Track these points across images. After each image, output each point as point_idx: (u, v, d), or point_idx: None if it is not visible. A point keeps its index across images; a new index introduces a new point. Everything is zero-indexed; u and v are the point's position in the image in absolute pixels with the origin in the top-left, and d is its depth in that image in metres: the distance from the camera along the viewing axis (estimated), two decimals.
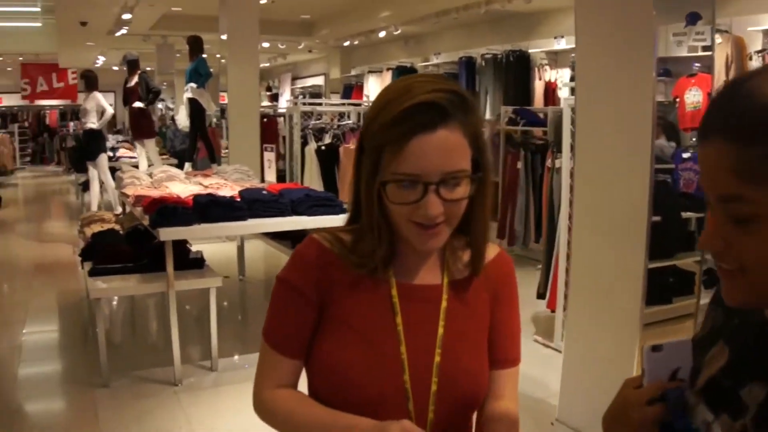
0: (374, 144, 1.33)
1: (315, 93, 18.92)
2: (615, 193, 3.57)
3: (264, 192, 5.37)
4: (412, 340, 1.42)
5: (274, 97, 20.63)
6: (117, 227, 6.21)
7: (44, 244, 10.02)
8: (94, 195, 10.85)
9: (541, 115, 7.74)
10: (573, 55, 7.28)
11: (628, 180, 3.46)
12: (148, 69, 13.91)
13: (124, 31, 12.62)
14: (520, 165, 7.54)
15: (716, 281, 1.04)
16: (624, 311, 3.54)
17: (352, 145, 8.14)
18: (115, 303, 6.94)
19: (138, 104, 10.66)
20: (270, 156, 8.78)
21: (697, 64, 6.66)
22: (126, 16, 11.31)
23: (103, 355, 4.80)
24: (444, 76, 1.44)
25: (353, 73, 16.58)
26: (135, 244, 5.48)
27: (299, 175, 9.50)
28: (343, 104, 11.54)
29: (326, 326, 1.44)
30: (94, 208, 10.42)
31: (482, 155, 1.38)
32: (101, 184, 10.86)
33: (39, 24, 15.27)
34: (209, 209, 4.91)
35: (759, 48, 7.16)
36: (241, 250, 7.62)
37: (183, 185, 5.95)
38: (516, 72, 10.96)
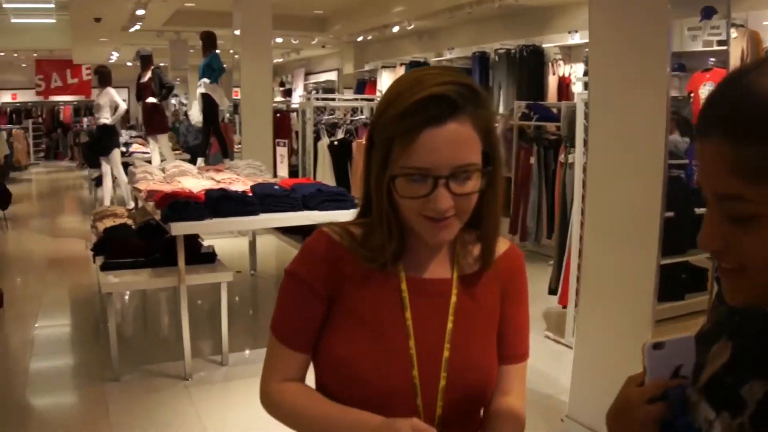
0: (384, 137, 1.32)
1: (328, 88, 18.94)
2: (628, 189, 3.54)
3: (276, 187, 5.38)
4: (421, 335, 1.41)
5: (288, 93, 20.66)
6: (129, 222, 6.22)
7: (57, 239, 10.06)
8: (106, 190, 10.87)
9: (555, 110, 7.72)
10: (587, 50, 7.24)
11: (642, 175, 3.44)
12: (162, 65, 13.94)
13: (137, 26, 12.65)
14: (532, 160, 7.53)
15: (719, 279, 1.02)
16: (636, 307, 3.52)
17: (364, 141, 8.16)
18: (126, 297, 6.97)
19: (151, 100, 10.67)
20: (282, 151, 8.78)
21: (712, 59, 6.62)
22: (140, 12, 11.34)
23: (114, 350, 4.81)
24: (456, 69, 1.42)
25: (366, 68, 16.56)
26: (147, 239, 5.49)
27: (312, 170, 9.50)
28: (356, 99, 11.52)
29: (335, 320, 1.43)
30: (107, 202, 10.45)
31: (493, 149, 1.36)
32: (114, 179, 10.88)
33: (53, 20, 15.33)
34: (221, 204, 4.91)
35: None
36: (252, 245, 7.63)
37: (195, 180, 5.96)
38: (529, 67, 10.91)
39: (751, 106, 0.87)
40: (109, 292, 4.88)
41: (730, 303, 1.01)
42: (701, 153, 0.94)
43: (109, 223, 6.14)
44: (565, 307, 5.50)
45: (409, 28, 13.05)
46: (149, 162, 9.46)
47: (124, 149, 11.55)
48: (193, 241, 5.25)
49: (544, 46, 10.87)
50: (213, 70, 9.78)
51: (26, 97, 23.45)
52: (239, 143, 10.37)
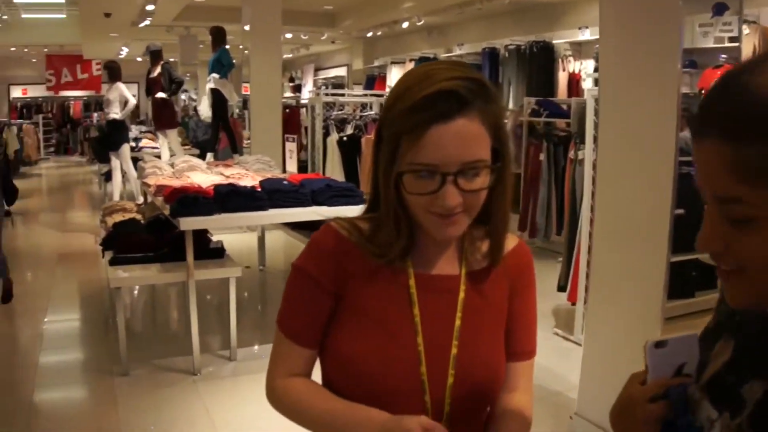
0: (392, 132, 1.30)
1: (338, 84, 18.94)
2: (638, 186, 3.52)
3: (285, 182, 5.37)
4: (429, 332, 1.40)
5: (297, 88, 20.66)
6: (138, 217, 6.22)
7: (67, 234, 10.10)
8: (116, 185, 10.89)
9: (565, 107, 7.69)
10: (597, 46, 7.22)
11: (652, 172, 3.42)
12: (172, 60, 13.95)
13: (147, 22, 12.65)
14: (542, 157, 7.51)
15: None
16: (645, 305, 3.50)
17: (373, 135, 8.17)
18: (136, 292, 6.99)
19: (161, 95, 10.68)
20: (291, 146, 8.79)
21: (723, 56, 6.59)
22: (149, 7, 11.33)
23: (123, 344, 4.82)
24: (465, 63, 1.40)
25: (376, 64, 16.54)
26: (156, 234, 5.49)
27: (321, 166, 9.50)
28: (366, 95, 11.52)
29: (342, 316, 1.42)
30: (116, 197, 10.46)
31: (502, 145, 1.34)
32: (123, 174, 10.90)
33: (63, 15, 15.39)
34: (230, 199, 4.91)
35: None
36: (261, 240, 7.63)
37: (204, 175, 5.96)
38: (539, 63, 10.88)
39: (750, 105, 0.85)
40: (118, 287, 4.89)
41: (730, 305, 1.00)
42: (699, 153, 0.92)
43: (118, 218, 6.14)
44: (574, 304, 5.49)
45: (418, 23, 13.03)
46: (158, 157, 9.48)
47: (133, 144, 11.58)
48: (202, 236, 5.26)
49: (554, 42, 10.84)
50: (222, 65, 9.79)
51: (36, 92, 23.53)
52: (248, 138, 10.39)
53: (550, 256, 7.41)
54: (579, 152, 5.99)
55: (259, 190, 5.14)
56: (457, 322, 1.41)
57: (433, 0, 11.65)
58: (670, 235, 3.34)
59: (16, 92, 23.82)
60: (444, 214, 1.30)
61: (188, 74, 18.98)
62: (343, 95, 11.34)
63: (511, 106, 10.62)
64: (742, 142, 0.85)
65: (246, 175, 5.98)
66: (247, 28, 9.76)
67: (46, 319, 6.07)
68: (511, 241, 1.50)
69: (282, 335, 1.46)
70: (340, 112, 10.23)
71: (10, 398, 4.56)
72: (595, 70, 8.24)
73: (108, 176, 11.45)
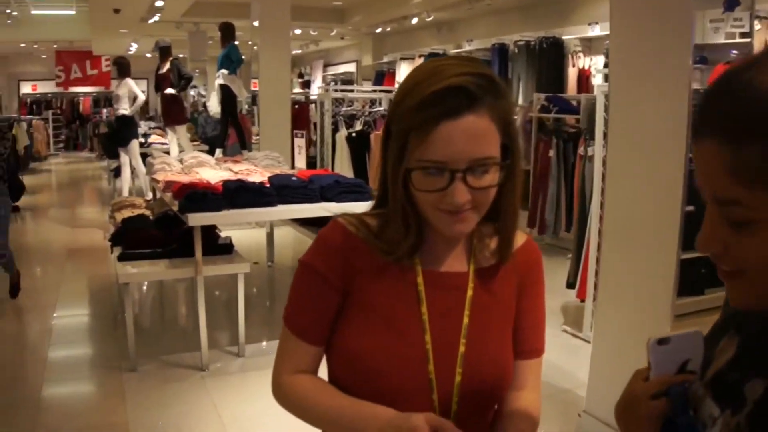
0: (400, 128, 1.29)
1: (347, 80, 18.93)
2: (648, 183, 3.50)
3: (293, 178, 5.37)
4: (437, 330, 1.39)
5: (306, 84, 20.66)
6: (147, 213, 6.23)
7: (76, 229, 10.13)
8: (125, 181, 10.92)
9: (574, 103, 7.67)
10: (607, 42, 7.19)
11: (662, 169, 3.39)
12: (181, 56, 13.97)
13: (156, 18, 12.67)
14: (551, 153, 7.49)
15: None
16: (655, 302, 3.48)
17: (381, 131, 8.17)
18: (144, 288, 7.00)
19: (170, 91, 10.69)
20: (300, 142, 8.78)
21: (734, 52, 6.56)
22: (159, 3, 11.36)
23: (132, 340, 4.83)
24: (474, 58, 1.39)
25: (385, 60, 16.52)
26: (164, 230, 5.49)
27: (330, 162, 9.49)
28: (375, 91, 11.50)
29: (349, 313, 1.41)
30: (125, 193, 10.50)
31: (512, 141, 1.33)
32: (132, 169, 10.93)
33: (73, 11, 15.42)
34: (238, 195, 4.91)
35: None
36: (270, 236, 7.64)
37: (213, 171, 5.96)
38: (549, 59, 10.84)
39: (751, 105, 0.83)
40: (127, 283, 4.89)
41: (732, 305, 0.99)
42: (698, 154, 0.91)
43: (127, 213, 6.15)
44: (583, 301, 5.48)
45: (428, 19, 13.02)
46: (167, 153, 9.49)
47: (142, 140, 11.60)
48: (210, 232, 5.26)
49: (564, 38, 10.79)
50: (231, 61, 9.79)
51: (46, 88, 23.61)
52: (257, 134, 10.39)
53: (559, 253, 7.40)
54: (588, 148, 5.98)
55: (268, 186, 5.13)
56: (465, 320, 1.40)
57: None
58: (680, 232, 3.32)
59: (26, 88, 23.91)
60: (453, 211, 1.29)
61: (197, 70, 19.01)
62: (352, 91, 11.30)
63: (520, 102, 10.59)
64: (742, 143, 0.83)
65: (255, 171, 5.98)
66: (256, 23, 9.76)
67: (54, 315, 6.09)
68: (520, 238, 1.49)
69: (288, 332, 1.46)
70: (349, 108, 10.22)
71: (18, 393, 4.57)
72: (605, 66, 8.22)
73: (117, 172, 11.47)
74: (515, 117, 1.40)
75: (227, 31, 9.91)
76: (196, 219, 4.69)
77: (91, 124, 21.71)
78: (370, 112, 10.02)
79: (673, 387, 1.05)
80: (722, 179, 0.87)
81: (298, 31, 15.19)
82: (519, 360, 1.49)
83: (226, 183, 5.09)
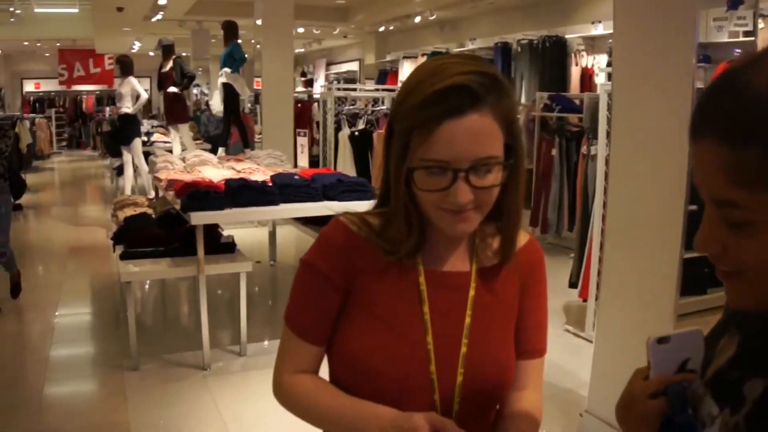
0: (403, 127, 1.28)
1: (349, 78, 18.93)
2: (651, 182, 3.49)
3: (296, 177, 5.36)
4: (439, 330, 1.38)
5: (309, 83, 20.67)
6: (149, 211, 6.22)
7: (79, 228, 10.12)
8: (127, 179, 10.91)
9: (577, 102, 7.66)
10: (610, 40, 7.17)
11: (665, 168, 3.38)
12: (184, 54, 13.95)
13: (159, 16, 12.67)
14: (554, 152, 7.48)
15: None
16: (658, 302, 3.47)
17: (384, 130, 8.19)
18: (146, 286, 7.00)
19: (173, 89, 10.68)
20: (303, 141, 8.78)
21: (738, 50, 6.54)
22: (162, 2, 11.35)
23: (133, 339, 4.83)
24: (478, 57, 1.38)
25: (388, 58, 16.53)
26: (167, 228, 5.49)
27: (332, 161, 9.49)
28: (377, 90, 11.50)
29: (351, 312, 1.41)
30: (128, 192, 10.49)
31: (516, 140, 1.32)
32: (135, 168, 10.92)
33: (76, 10, 15.41)
34: (240, 193, 4.90)
35: None
36: (272, 235, 7.63)
37: (216, 170, 5.96)
38: (552, 58, 10.84)
39: (749, 106, 0.82)
40: (129, 281, 4.89)
41: (731, 305, 1.00)
42: (696, 154, 0.90)
43: (129, 212, 6.15)
44: (585, 300, 5.47)
45: (431, 18, 13.02)
46: (170, 151, 9.48)
47: (145, 138, 11.59)
48: (212, 231, 5.25)
49: (567, 36, 10.80)
50: (234, 59, 9.78)
51: (49, 86, 23.62)
52: (260, 133, 10.39)
53: (562, 252, 7.39)
54: (591, 147, 5.97)
55: (270, 184, 5.13)
56: (467, 320, 1.40)
57: None
58: (683, 231, 3.31)
59: (29, 86, 23.94)
60: (455, 210, 1.28)
61: (200, 69, 19.02)
62: (354, 90, 11.32)
63: (523, 101, 10.58)
64: (740, 143, 0.82)
65: (257, 169, 5.97)
66: (259, 22, 9.75)
67: (57, 313, 6.09)
68: (523, 238, 1.48)
69: (289, 331, 1.45)
70: (351, 107, 10.22)
71: (20, 392, 4.57)
72: (608, 64, 8.21)
73: (120, 170, 11.48)
74: (518, 116, 1.39)
75: (230, 30, 9.90)
76: (199, 218, 4.69)
77: (94, 122, 21.71)
78: (372, 111, 10.02)
79: (671, 386, 1.05)
80: (720, 180, 0.86)
81: (301, 30, 15.18)
82: (521, 360, 1.48)
83: (229, 182, 5.08)
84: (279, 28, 9.57)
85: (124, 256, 5.07)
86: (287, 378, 1.45)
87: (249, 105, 12.01)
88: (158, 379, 4.72)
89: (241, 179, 5.19)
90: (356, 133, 9.39)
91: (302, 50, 20.16)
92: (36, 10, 15.19)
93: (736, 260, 0.90)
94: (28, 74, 23.65)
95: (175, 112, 10.84)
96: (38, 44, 19.94)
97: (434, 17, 13.01)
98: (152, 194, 8.62)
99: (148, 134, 12.15)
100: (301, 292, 1.45)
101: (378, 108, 10.16)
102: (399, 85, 13.73)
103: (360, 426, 1.32)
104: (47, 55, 22.49)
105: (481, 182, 1.27)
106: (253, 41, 11.15)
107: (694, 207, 3.34)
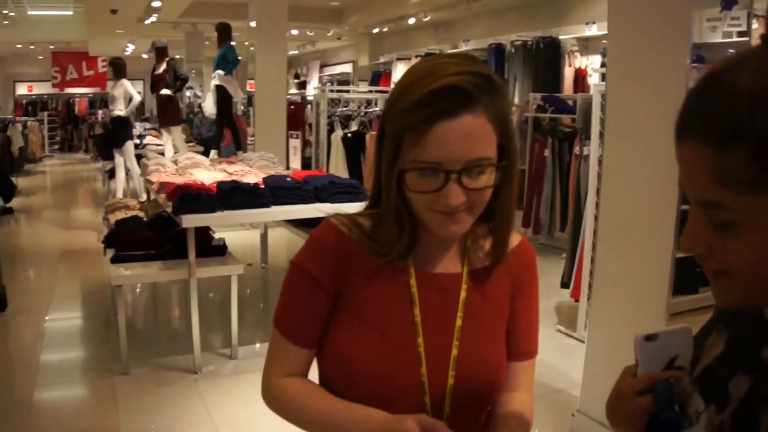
0: (395, 128, 1.27)
1: (343, 80, 18.93)
2: (644, 182, 3.49)
3: (288, 179, 5.34)
4: (430, 332, 1.37)
5: (302, 85, 20.63)
6: (141, 214, 6.20)
7: (70, 231, 10.09)
8: (119, 182, 10.89)
9: (570, 103, 7.67)
10: (604, 41, 7.18)
11: (658, 168, 3.37)
12: (178, 57, 13.94)
13: (153, 18, 12.67)
14: (547, 153, 7.48)
15: None
16: (650, 301, 3.47)
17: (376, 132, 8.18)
18: (138, 290, 6.97)
19: (165, 91, 10.67)
20: (296, 143, 8.77)
21: (731, 51, 6.53)
22: (156, 4, 11.33)
23: (124, 343, 4.80)
24: (472, 57, 1.36)
25: (382, 60, 16.51)
26: (158, 231, 5.47)
27: (325, 163, 9.48)
28: (371, 91, 11.49)
29: (341, 315, 1.39)
30: (120, 195, 10.46)
31: (509, 141, 1.31)
32: (127, 171, 10.89)
33: (70, 12, 15.39)
34: (232, 196, 4.88)
35: None
36: (264, 237, 7.62)
37: (208, 172, 5.93)
38: (546, 59, 10.83)
39: (731, 108, 0.82)
40: (119, 285, 4.86)
41: (718, 304, 0.99)
42: (681, 156, 0.90)
43: (120, 215, 6.12)
44: (577, 300, 5.48)
45: (425, 19, 13.02)
46: (162, 154, 9.46)
47: (137, 141, 11.56)
48: (204, 233, 5.23)
49: (560, 37, 10.79)
50: (228, 61, 9.78)
51: (42, 89, 23.55)
52: (252, 135, 10.37)
53: (554, 253, 7.40)
54: (584, 148, 5.97)
55: (262, 186, 5.11)
56: (458, 322, 1.39)
57: None
58: (675, 231, 3.31)
59: (22, 89, 23.86)
60: (447, 212, 1.27)
61: (193, 71, 19.02)
62: (348, 92, 11.31)
63: (516, 102, 10.58)
64: (724, 145, 0.82)
65: (249, 172, 5.95)
66: (253, 24, 9.75)
67: (47, 317, 6.05)
68: (515, 239, 1.47)
69: (279, 334, 1.44)
70: (344, 109, 10.21)
71: (10, 396, 4.55)
72: (602, 65, 8.21)
73: (111, 173, 11.45)
74: (512, 116, 1.37)
75: (224, 32, 9.89)
76: (190, 220, 4.66)
77: (86, 125, 21.64)
78: (365, 113, 10.03)
79: (658, 383, 1.05)
80: (705, 181, 0.85)
81: (295, 32, 15.19)
82: (512, 361, 1.47)
83: (220, 184, 5.06)
84: (273, 30, 9.57)
85: (115, 260, 5.04)
86: (276, 381, 1.43)
87: (242, 107, 12.00)
88: (149, 384, 4.69)
89: (233, 181, 5.17)
90: (349, 134, 9.39)
91: (296, 52, 20.15)
92: (29, 13, 15.17)
93: (722, 261, 0.89)
94: (21, 77, 23.58)
95: (168, 114, 10.83)
96: (32, 47, 19.90)
97: (428, 19, 13.02)
98: (144, 197, 8.60)
99: (141, 137, 12.12)
100: (291, 295, 1.44)
101: (371, 110, 10.16)
102: (392, 86, 13.71)
103: (350, 429, 1.31)
104: (40, 57, 22.45)
105: (473, 184, 1.25)
106: (246, 43, 11.14)
107: (686, 207, 3.32)
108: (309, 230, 5.23)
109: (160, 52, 10.92)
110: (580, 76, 10.48)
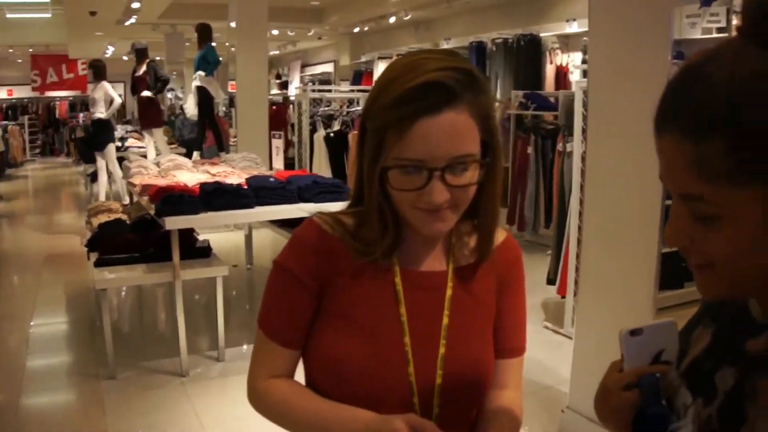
0: (376, 125, 1.25)
1: (324, 80, 18.90)
2: (628, 177, 3.50)
3: (271, 179, 5.33)
4: (417, 331, 1.36)
5: (284, 85, 20.60)
6: (124, 217, 6.17)
7: (53, 236, 10.02)
8: (102, 185, 10.83)
9: (552, 100, 7.68)
10: (585, 38, 7.19)
11: (642, 163, 3.38)
12: (158, 58, 13.86)
13: (133, 20, 12.58)
14: (530, 150, 7.50)
15: None
16: (637, 296, 3.48)
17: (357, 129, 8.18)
18: (123, 293, 6.93)
19: (146, 93, 10.63)
20: (278, 143, 8.74)
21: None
22: (135, 5, 11.25)
23: (110, 347, 4.77)
24: (454, 52, 1.35)
25: (363, 59, 16.49)
26: (141, 234, 5.44)
27: (308, 163, 9.47)
28: (353, 91, 11.48)
29: (326, 315, 1.38)
30: (102, 198, 10.41)
31: (492, 137, 1.30)
32: (109, 174, 10.84)
33: (48, 15, 15.26)
34: (215, 197, 4.87)
35: None
36: (248, 238, 7.59)
37: (190, 174, 5.90)
38: (527, 56, 10.85)
39: (709, 100, 0.82)
40: (104, 289, 4.83)
41: (703, 296, 1.00)
42: (661, 150, 0.90)
43: (103, 218, 6.09)
44: (563, 297, 5.49)
45: (405, 18, 13.01)
46: (144, 156, 9.41)
47: (119, 144, 11.51)
48: (188, 235, 5.21)
49: (541, 35, 10.81)
50: (208, 62, 9.73)
51: (22, 93, 23.34)
52: (235, 136, 10.35)
53: (539, 250, 7.41)
54: (567, 145, 5.98)
55: (245, 187, 5.09)
56: (445, 321, 1.38)
57: None
58: (660, 226, 3.32)
59: (2, 93, 23.63)
60: (431, 209, 1.26)
61: (174, 72, 18.92)
62: (329, 91, 11.29)
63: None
64: (703, 138, 0.82)
65: (232, 172, 5.93)
66: (233, 24, 9.71)
67: (32, 323, 6.01)
68: (500, 236, 1.46)
69: (263, 335, 1.42)
70: (326, 109, 10.20)
71: None
72: (584, 62, 8.23)
73: (94, 177, 11.39)
74: (495, 113, 1.36)
75: (204, 33, 9.84)
76: (173, 222, 4.64)
77: (67, 128, 21.50)
78: (348, 112, 10.02)
79: (644, 377, 1.05)
80: (685, 175, 0.86)
81: (275, 32, 15.14)
82: (500, 359, 1.46)
83: (203, 185, 5.04)
84: (253, 30, 9.54)
85: (98, 263, 5.02)
86: (262, 383, 1.42)
87: (224, 108, 11.95)
88: (136, 387, 4.67)
89: (216, 183, 5.15)
90: (331, 134, 9.38)
91: (277, 52, 20.10)
92: (8, 16, 15.04)
93: (705, 253, 0.90)
94: (0, 81, 23.37)
95: (149, 116, 10.78)
96: (10, 50, 19.74)
97: (409, 17, 13.01)
98: (127, 200, 8.55)
99: (122, 139, 12.07)
100: (274, 295, 1.42)
101: (353, 109, 10.14)
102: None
103: (337, 430, 1.30)
104: (20, 61, 22.26)
105: (457, 181, 1.24)
106: (227, 44, 11.10)
107: (671, 201, 3.34)
108: (293, 230, 5.21)
109: (141, 54, 10.87)
110: (562, 73, 10.51)
